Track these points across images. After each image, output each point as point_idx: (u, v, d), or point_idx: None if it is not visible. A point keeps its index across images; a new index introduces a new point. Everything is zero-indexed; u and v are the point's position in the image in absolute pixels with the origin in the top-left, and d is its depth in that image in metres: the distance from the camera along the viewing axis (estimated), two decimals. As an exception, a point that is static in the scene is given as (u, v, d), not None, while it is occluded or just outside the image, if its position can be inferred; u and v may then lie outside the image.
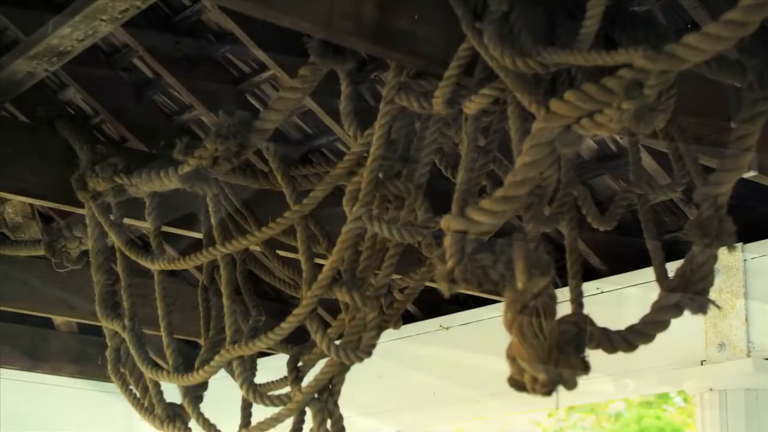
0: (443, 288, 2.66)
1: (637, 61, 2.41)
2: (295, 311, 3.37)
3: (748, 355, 4.23)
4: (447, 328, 5.44)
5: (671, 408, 15.35)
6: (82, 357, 6.81)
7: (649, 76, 2.43)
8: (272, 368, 4.52)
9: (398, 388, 5.58)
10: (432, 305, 5.54)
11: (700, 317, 4.27)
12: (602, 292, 4.75)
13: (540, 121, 2.60)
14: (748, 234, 4.24)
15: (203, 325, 4.07)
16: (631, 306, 4.50)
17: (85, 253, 4.68)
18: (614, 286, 4.73)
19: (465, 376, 5.26)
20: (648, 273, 4.59)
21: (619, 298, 4.66)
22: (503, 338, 5.17)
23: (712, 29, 2.28)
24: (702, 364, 4.36)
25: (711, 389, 4.31)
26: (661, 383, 4.56)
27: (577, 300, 3.06)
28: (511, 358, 2.63)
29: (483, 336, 5.22)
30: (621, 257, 4.83)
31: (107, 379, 6.73)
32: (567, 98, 2.52)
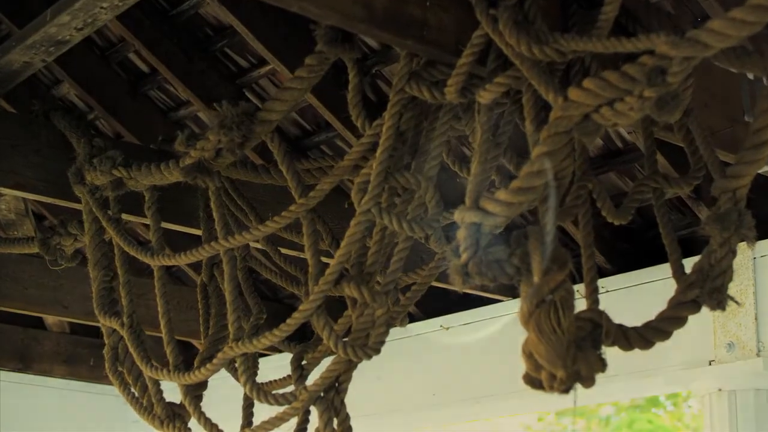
0: (456, 282, 2.58)
1: (660, 47, 2.35)
2: (301, 307, 3.29)
3: (758, 355, 4.17)
4: (447, 328, 5.37)
5: (660, 411, 15.32)
6: (74, 358, 6.72)
7: (671, 62, 2.36)
8: (264, 369, 4.44)
9: (398, 389, 5.51)
10: (433, 305, 5.47)
11: (708, 317, 4.24)
12: (607, 291, 4.67)
13: (558, 110, 2.53)
14: (757, 231, 4.17)
15: (203, 323, 3.99)
16: (637, 305, 4.43)
17: (80, 250, 4.60)
18: (620, 285, 4.66)
19: (466, 376, 5.20)
20: (653, 272, 4.58)
21: (625, 297, 4.60)
22: (504, 338, 5.11)
23: (739, 14, 2.23)
24: (710, 365, 4.29)
25: (720, 390, 4.25)
26: (669, 384, 4.49)
27: (592, 296, 2.99)
28: (528, 354, 2.55)
29: (484, 336, 5.15)
30: (626, 256, 4.77)
31: (99, 380, 6.72)
32: (586, 86, 2.45)
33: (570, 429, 15.21)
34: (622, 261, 4.74)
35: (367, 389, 5.39)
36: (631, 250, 4.76)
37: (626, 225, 3.60)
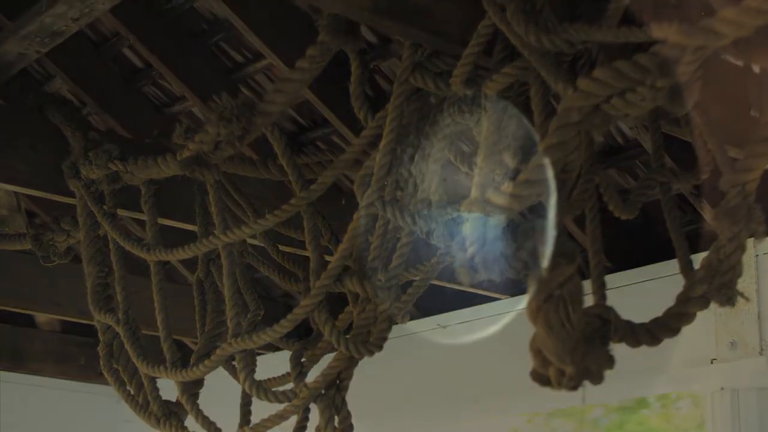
0: (463, 277, 2.55)
1: (673, 37, 2.31)
2: (303, 302, 3.25)
3: (761, 353, 4.13)
4: (445, 327, 5.32)
5: (649, 412, 15.24)
6: (65, 357, 6.66)
7: (684, 52, 2.33)
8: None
9: (394, 389, 5.46)
10: (429, 303, 5.43)
11: (710, 314, 4.19)
12: (608, 289, 4.63)
13: (567, 101, 2.48)
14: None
15: (199, 319, 3.93)
16: (637, 303, 4.37)
17: (72, 247, 4.54)
18: (620, 282, 4.62)
19: (464, 375, 5.15)
20: (653, 270, 4.53)
21: (625, 295, 4.55)
22: (503, 337, 5.06)
23: (753, 2, 2.18)
24: (713, 363, 4.25)
25: (722, 388, 4.20)
26: (671, 383, 4.45)
27: (600, 291, 2.95)
28: (536, 350, 2.51)
29: (482, 335, 5.10)
30: (626, 254, 4.73)
31: (91, 379, 6.66)
32: (597, 76, 2.41)
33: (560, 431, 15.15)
34: (623, 259, 4.69)
35: (363, 388, 5.33)
36: (631, 248, 4.72)
37: (626, 223, 3.56)
